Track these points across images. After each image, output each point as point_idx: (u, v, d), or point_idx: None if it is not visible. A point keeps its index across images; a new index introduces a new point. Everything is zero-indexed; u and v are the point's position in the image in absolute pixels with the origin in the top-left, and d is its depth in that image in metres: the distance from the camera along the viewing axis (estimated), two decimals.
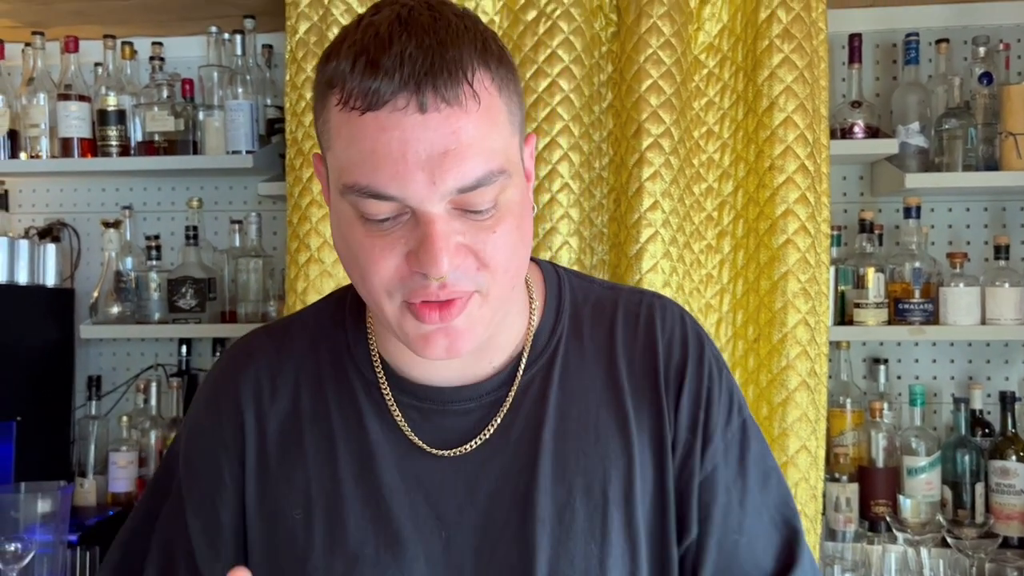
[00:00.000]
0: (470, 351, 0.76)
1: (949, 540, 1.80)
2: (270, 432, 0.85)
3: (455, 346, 0.74)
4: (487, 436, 0.82)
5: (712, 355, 0.88)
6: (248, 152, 2.10)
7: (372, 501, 0.81)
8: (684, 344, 0.87)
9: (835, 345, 2.05)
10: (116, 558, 0.89)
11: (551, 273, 0.91)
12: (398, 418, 0.83)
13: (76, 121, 2.17)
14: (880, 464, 1.97)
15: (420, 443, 0.82)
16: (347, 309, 0.88)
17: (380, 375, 0.84)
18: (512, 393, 0.83)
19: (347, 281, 1.81)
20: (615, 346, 0.86)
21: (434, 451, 0.82)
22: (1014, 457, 1.92)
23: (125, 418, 2.17)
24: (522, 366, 0.84)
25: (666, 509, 0.84)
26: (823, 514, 1.85)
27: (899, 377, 2.14)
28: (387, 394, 0.83)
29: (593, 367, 0.85)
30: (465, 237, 0.71)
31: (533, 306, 0.87)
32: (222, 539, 0.85)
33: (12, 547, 1.66)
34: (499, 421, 0.83)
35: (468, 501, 0.81)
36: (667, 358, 0.86)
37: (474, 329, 0.75)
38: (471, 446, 0.82)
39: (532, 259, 0.89)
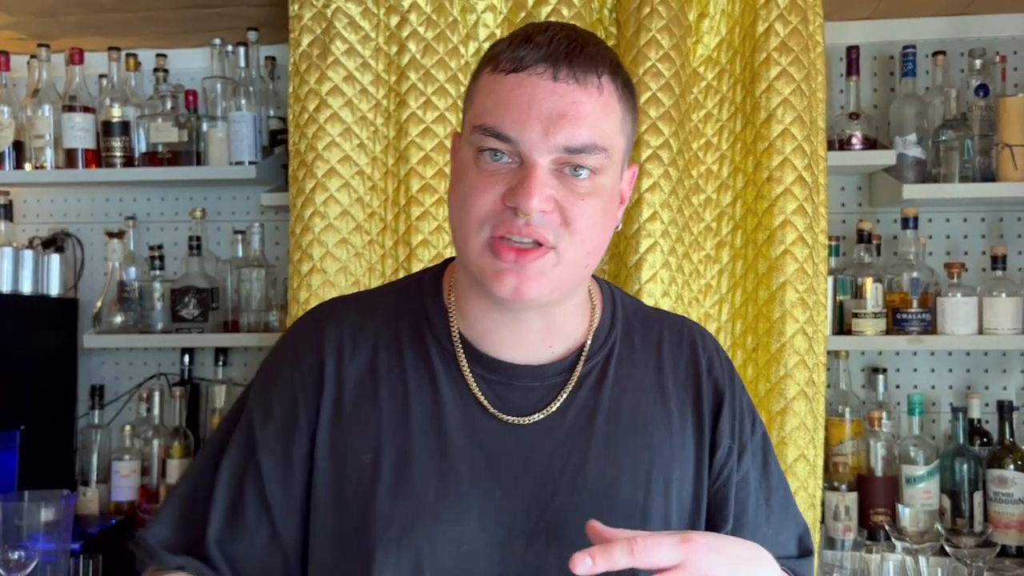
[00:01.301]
0: (532, 299, 0.84)
1: (947, 549, 1.81)
2: (347, 381, 0.93)
3: (522, 287, 0.83)
4: (548, 413, 0.92)
5: (738, 377, 1.02)
6: (251, 163, 2.12)
7: (437, 454, 0.89)
8: (721, 365, 1.00)
9: (834, 355, 2.06)
10: (184, 492, 0.95)
11: (607, 287, 1.03)
12: (471, 383, 0.92)
13: (80, 132, 2.19)
14: (879, 473, 1.98)
15: (486, 404, 0.91)
16: (427, 287, 0.97)
17: (457, 345, 0.93)
18: (574, 379, 0.93)
19: (349, 290, 1.83)
20: (662, 355, 0.98)
21: (500, 415, 0.91)
22: (1012, 466, 1.93)
23: (128, 427, 2.19)
24: (584, 357, 0.94)
25: (699, 501, 0.95)
26: (822, 523, 1.86)
27: (897, 386, 2.15)
28: (462, 362, 0.92)
29: (643, 370, 0.97)
30: (558, 193, 0.82)
31: (594, 308, 0.98)
32: (292, 475, 0.91)
33: (16, 555, 1.67)
34: (560, 401, 0.92)
35: (523, 467, 0.90)
36: (708, 373, 0.98)
37: (542, 280, 0.84)
38: (530, 420, 0.91)
39: (592, 276, 1.00)
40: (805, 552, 1.01)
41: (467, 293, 0.92)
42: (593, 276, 1.00)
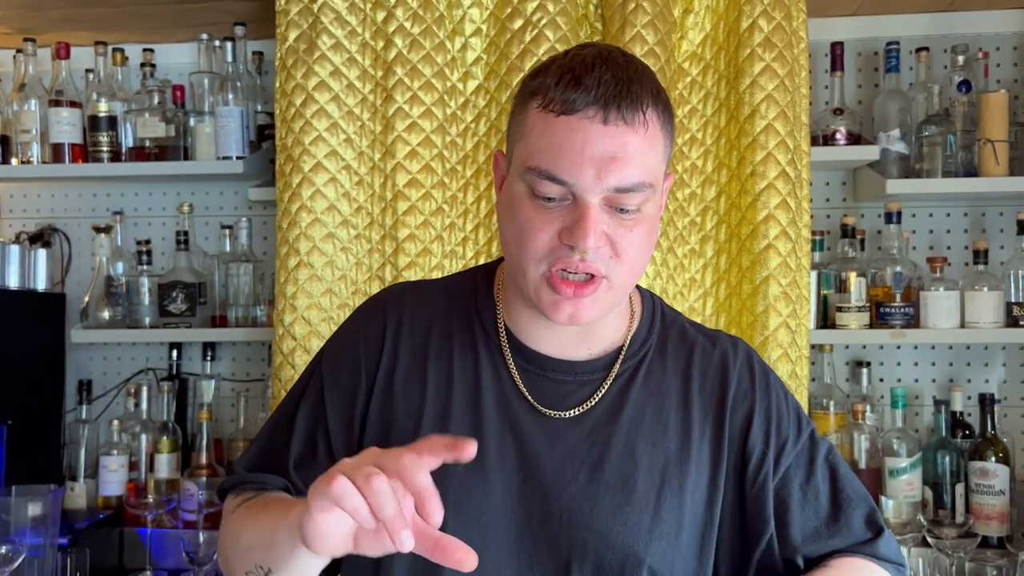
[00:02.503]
0: (586, 323, 0.93)
1: (929, 540, 1.83)
2: (402, 356, 1.03)
3: (577, 315, 0.92)
4: (582, 409, 0.99)
5: (777, 383, 1.08)
6: (238, 158, 2.12)
7: (472, 429, 0.98)
8: (752, 376, 1.05)
9: (818, 348, 2.08)
10: (266, 435, 1.07)
11: (647, 296, 1.10)
12: (512, 370, 1.00)
13: (67, 127, 2.18)
14: (862, 465, 2.00)
15: (526, 393, 0.99)
16: (479, 283, 1.07)
17: (502, 335, 1.02)
18: (609, 379, 1.01)
19: (336, 284, 1.83)
20: (692, 367, 1.04)
21: (533, 403, 0.99)
22: (993, 458, 1.95)
23: (116, 422, 2.19)
24: (620, 359, 1.02)
25: (712, 505, 1.01)
26: None
27: (881, 380, 2.17)
28: (506, 350, 1.01)
29: (671, 379, 1.03)
30: (608, 228, 0.89)
31: (633, 315, 1.05)
32: (352, 432, 1.02)
33: (2, 550, 1.67)
34: (595, 399, 1.00)
35: (547, 453, 0.97)
36: (737, 387, 1.04)
37: (595, 308, 0.93)
38: (565, 414, 0.99)
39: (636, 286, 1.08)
40: (876, 532, 1.04)
41: (513, 294, 1.01)
42: (638, 287, 1.09)
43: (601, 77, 0.88)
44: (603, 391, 1.00)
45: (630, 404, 1.00)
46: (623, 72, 0.89)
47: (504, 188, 0.96)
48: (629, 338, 1.03)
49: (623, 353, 1.02)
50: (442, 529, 0.90)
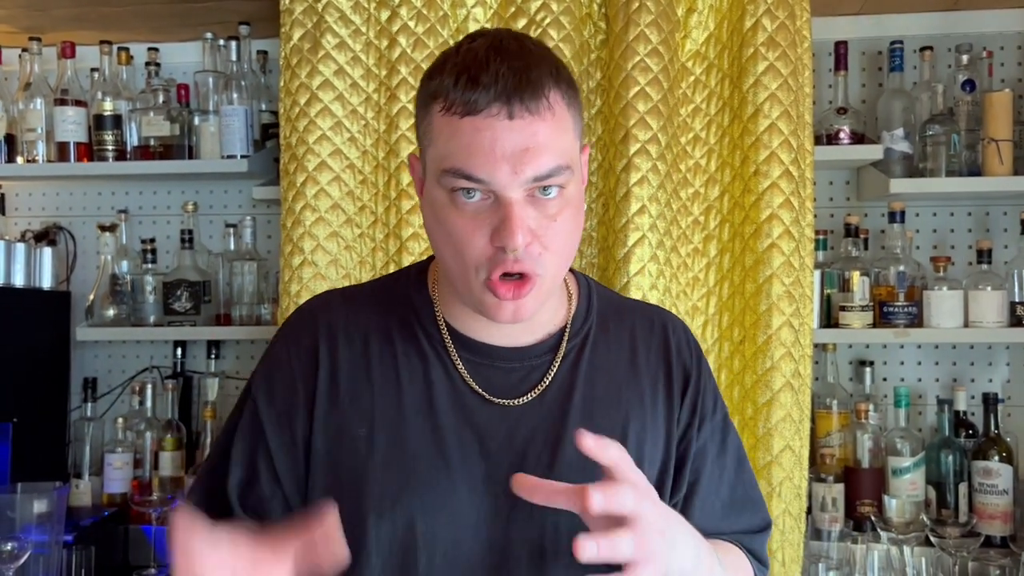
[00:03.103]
0: (528, 318, 0.93)
1: (933, 539, 1.83)
2: (342, 364, 1.00)
3: (519, 313, 0.92)
4: (528, 393, 1.00)
5: (706, 361, 1.11)
6: (243, 156, 2.13)
7: (428, 429, 0.97)
8: (690, 348, 1.08)
9: (821, 347, 2.08)
10: (206, 472, 1.03)
11: (583, 279, 1.11)
12: (459, 365, 1.00)
13: (72, 126, 2.19)
14: (865, 465, 2.00)
15: (474, 385, 0.99)
16: (411, 283, 1.05)
17: (444, 332, 1.01)
18: (557, 360, 1.01)
19: (340, 282, 1.84)
20: (635, 339, 1.06)
21: (486, 395, 0.99)
22: (997, 458, 1.95)
23: (120, 420, 2.20)
24: (565, 339, 1.02)
25: (666, 472, 1.03)
26: (808, 513, 1.88)
27: (884, 379, 2.17)
28: (450, 346, 1.00)
29: (616, 352, 1.05)
30: (534, 222, 0.89)
31: (571, 297, 1.06)
32: (296, 451, 0.99)
33: (8, 547, 1.68)
34: (544, 381, 1.00)
35: (507, 443, 0.97)
36: (678, 355, 1.06)
37: (535, 301, 0.93)
38: (520, 400, 0.99)
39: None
40: (761, 529, 1.09)
41: (450, 290, 1.00)
42: (571, 269, 1.08)
43: (498, 71, 0.86)
44: (553, 371, 1.00)
45: (581, 381, 1.01)
46: (519, 60, 0.88)
47: (425, 194, 0.95)
48: (571, 318, 1.04)
49: (567, 332, 1.03)
50: (411, 530, 0.93)
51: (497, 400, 0.99)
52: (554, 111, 0.89)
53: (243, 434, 1.01)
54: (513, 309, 0.91)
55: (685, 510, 1.02)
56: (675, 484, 1.04)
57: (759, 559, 1.08)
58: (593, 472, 0.92)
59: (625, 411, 1.01)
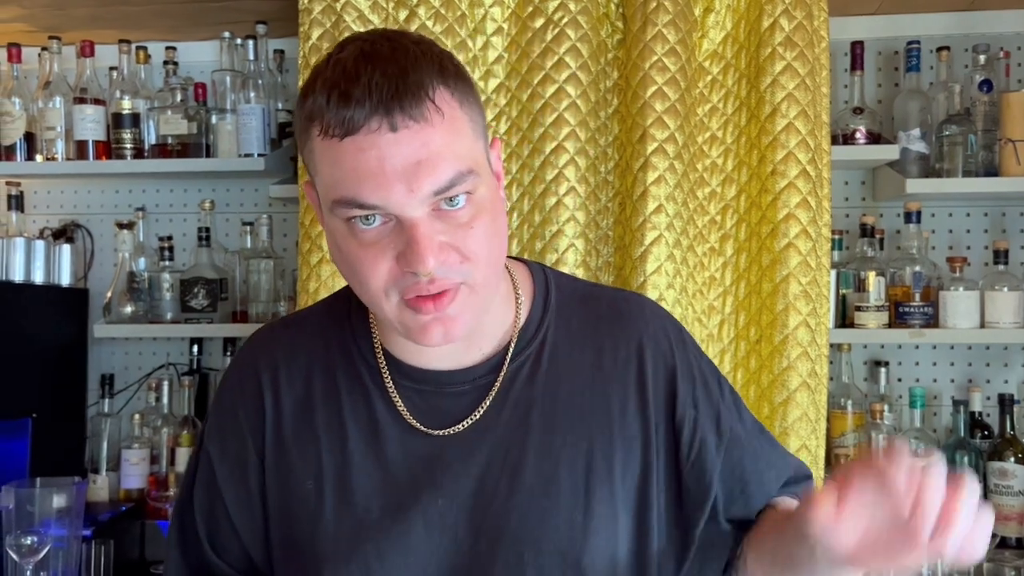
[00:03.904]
0: (463, 336, 0.85)
1: None
2: (286, 411, 0.94)
3: (450, 332, 0.83)
4: (479, 415, 0.91)
5: (691, 341, 1.00)
6: (260, 155, 2.14)
7: (377, 472, 0.90)
8: (667, 335, 0.97)
9: (836, 348, 2.08)
10: (176, 525, 1.00)
11: (538, 271, 1.00)
12: (397, 402, 0.92)
13: (91, 124, 2.21)
14: None
15: (417, 424, 0.91)
16: (352, 306, 0.96)
17: (382, 363, 0.93)
18: (501, 377, 0.92)
19: None
20: (601, 336, 0.95)
21: (431, 431, 0.91)
22: (1012, 459, 1.95)
23: (137, 416, 2.21)
24: (510, 353, 0.93)
25: (648, 480, 0.92)
26: None
27: (899, 379, 2.17)
28: (388, 380, 0.92)
29: (579, 354, 0.94)
30: (446, 235, 0.80)
31: (520, 300, 0.95)
32: (251, 502, 0.95)
33: (28, 540, 1.69)
34: (489, 402, 0.91)
35: (463, 472, 0.90)
36: (654, 348, 0.95)
37: (465, 315, 0.83)
38: (464, 425, 0.91)
39: (519, 259, 1.01)
40: (804, 476, 1.03)
41: None
42: (525, 263, 1.00)
43: (370, 81, 0.76)
44: (503, 391, 0.91)
45: (539, 394, 0.91)
46: (393, 65, 0.77)
47: (324, 224, 0.85)
48: (518, 327, 0.93)
49: (512, 346, 0.92)
50: None
51: (444, 431, 0.90)
52: (443, 113, 0.78)
53: (201, 485, 0.98)
54: (443, 330, 0.82)
55: (746, 492, 0.95)
56: (699, 486, 0.94)
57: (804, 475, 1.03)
58: (556, 495, 0.88)
59: (590, 424, 0.91)
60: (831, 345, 1.96)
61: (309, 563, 0.90)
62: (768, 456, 1.00)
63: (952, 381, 2.17)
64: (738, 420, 0.98)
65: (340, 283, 1.77)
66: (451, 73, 0.81)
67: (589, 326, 0.96)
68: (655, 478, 0.92)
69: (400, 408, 0.92)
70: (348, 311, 0.96)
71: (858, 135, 2.04)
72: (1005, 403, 2.00)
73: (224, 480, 0.96)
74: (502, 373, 0.92)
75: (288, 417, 0.94)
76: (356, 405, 0.93)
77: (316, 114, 0.79)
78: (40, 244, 2.20)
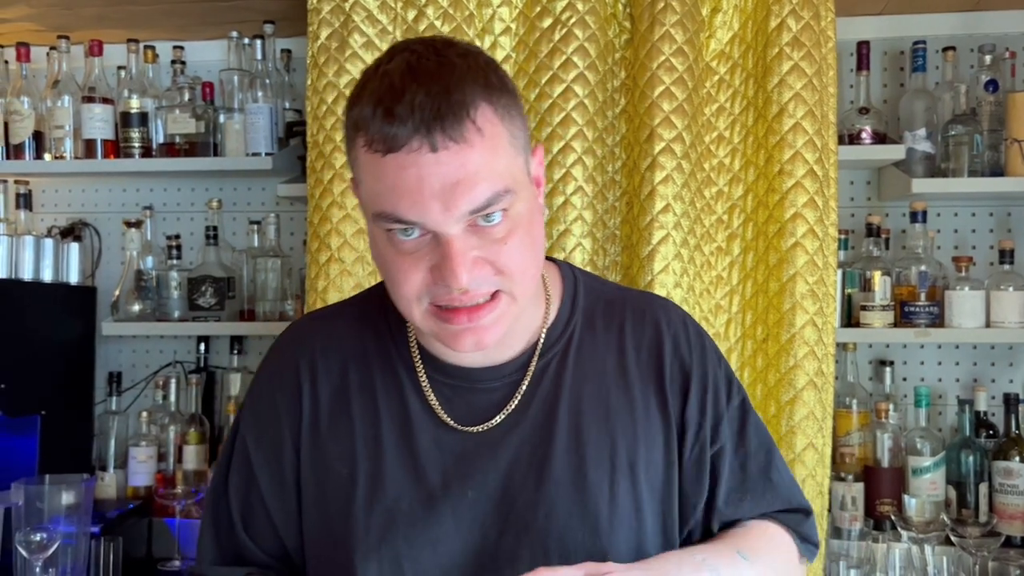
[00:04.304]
0: (493, 344, 0.87)
1: (953, 539, 1.83)
2: (322, 401, 0.97)
3: (482, 341, 0.86)
4: (509, 411, 0.95)
5: (712, 347, 1.02)
6: (267, 154, 2.15)
7: (409, 463, 0.93)
8: (688, 340, 1.00)
9: (842, 347, 2.08)
10: (209, 513, 1.03)
11: (568, 272, 1.03)
12: (430, 397, 0.95)
13: (99, 123, 2.22)
14: (885, 464, 2.00)
15: (449, 419, 0.94)
16: (388, 301, 0.97)
17: (416, 357, 0.97)
18: (529, 375, 0.96)
19: (366, 279, 1.85)
20: (624, 338, 0.99)
21: (462, 427, 0.94)
22: (1017, 458, 1.95)
23: (145, 414, 2.22)
24: (538, 352, 0.96)
25: (671, 478, 0.97)
26: (829, 512, 1.89)
27: (905, 379, 2.18)
28: (422, 375, 0.96)
29: (604, 355, 0.98)
30: (481, 251, 0.82)
31: (549, 300, 0.99)
32: (286, 490, 0.98)
33: (37, 537, 1.70)
34: (519, 399, 0.95)
35: (492, 466, 0.93)
36: (674, 351, 0.99)
37: (499, 325, 0.87)
38: (495, 421, 0.94)
39: (550, 259, 1.03)
40: (795, 510, 1.03)
41: None
42: (556, 262, 1.04)
43: (414, 100, 0.78)
44: (532, 387, 0.95)
45: (566, 392, 0.95)
46: (437, 83, 0.79)
47: (368, 225, 0.88)
48: (546, 327, 0.97)
49: (540, 344, 0.96)
50: (399, 569, 0.91)
51: (475, 428, 0.94)
52: (483, 132, 0.80)
53: (237, 470, 1.00)
54: (475, 339, 0.85)
55: (709, 508, 0.99)
56: (693, 490, 0.98)
57: (800, 536, 1.02)
58: (582, 489, 0.92)
59: (613, 424, 0.95)
60: (837, 344, 1.97)
61: (340, 550, 0.93)
62: (751, 480, 1.00)
63: (957, 380, 2.18)
64: (734, 435, 1.00)
65: (349, 283, 1.78)
66: (495, 87, 0.83)
67: (614, 328, 0.99)
68: (675, 473, 0.97)
69: (433, 402, 0.95)
70: (384, 306, 0.98)
71: (864, 135, 2.05)
72: (1010, 402, 2.00)
73: (260, 466, 0.98)
74: (530, 371, 0.96)
75: (324, 406, 0.97)
76: (390, 397, 0.96)
77: (362, 125, 0.82)
78: (48, 242, 2.21)
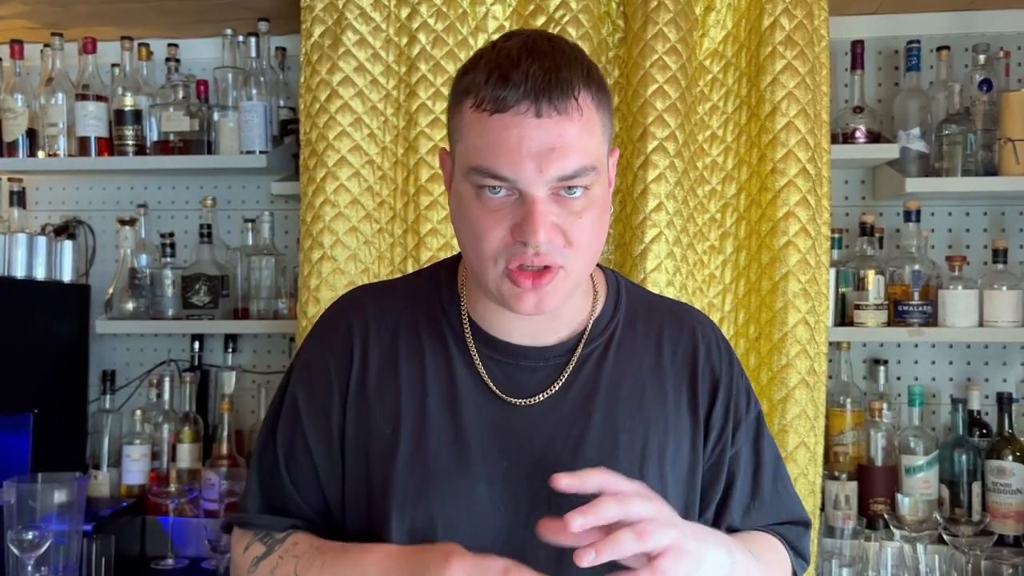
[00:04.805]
0: (552, 309, 0.94)
1: (946, 538, 1.83)
2: (372, 364, 1.03)
3: (542, 304, 0.93)
4: (552, 392, 1.01)
5: (737, 362, 1.11)
6: (261, 152, 2.15)
7: (451, 428, 0.99)
8: (719, 349, 1.08)
9: (836, 346, 2.09)
10: (256, 465, 1.07)
11: (612, 277, 1.11)
12: (479, 367, 1.01)
13: (93, 121, 2.22)
14: (879, 463, 2.01)
15: (495, 389, 1.00)
16: (442, 278, 1.07)
17: (467, 331, 1.03)
18: (574, 360, 1.02)
19: (359, 277, 1.85)
20: (662, 339, 1.06)
21: (506, 397, 1.00)
22: (1011, 457, 1.95)
23: (138, 412, 2.22)
24: (584, 340, 1.03)
25: (694, 474, 1.03)
26: (822, 511, 1.89)
27: (898, 378, 2.18)
28: (471, 346, 1.02)
29: (643, 352, 1.05)
30: (559, 218, 0.90)
31: (596, 296, 1.06)
32: (331, 443, 1.03)
33: (29, 535, 1.70)
34: (562, 381, 1.01)
35: (528, 441, 0.99)
36: (706, 358, 1.06)
37: (557, 294, 0.94)
38: (537, 399, 1.00)
39: (597, 264, 1.08)
40: (797, 522, 1.09)
41: (477, 287, 1.01)
42: (602, 268, 1.11)
43: (528, 70, 0.87)
44: (575, 372, 1.01)
45: (604, 381, 1.01)
46: (550, 61, 0.89)
47: (452, 188, 0.96)
48: (593, 318, 1.04)
49: (587, 333, 1.03)
50: (431, 525, 0.96)
51: (518, 400, 1.00)
52: (582, 112, 0.89)
53: (285, 423, 1.05)
54: (535, 301, 0.92)
55: (721, 510, 1.04)
56: (711, 488, 1.04)
57: (796, 550, 1.08)
58: (614, 470, 0.92)
59: (647, 415, 1.01)
60: (831, 343, 1.97)
61: (379, 504, 0.99)
62: (761, 486, 1.07)
63: (951, 380, 2.18)
64: (750, 442, 1.07)
65: (341, 282, 1.78)
66: (595, 80, 0.92)
67: (653, 329, 1.07)
68: (700, 470, 1.03)
69: (480, 371, 1.01)
70: (439, 283, 1.06)
71: (858, 134, 2.05)
72: (1003, 402, 2.01)
73: (308, 420, 1.03)
74: (575, 357, 1.02)
75: (373, 369, 1.02)
76: (438, 365, 1.01)
77: (473, 88, 0.90)
78: (42, 240, 2.20)
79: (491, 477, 0.97)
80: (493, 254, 0.91)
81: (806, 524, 1.11)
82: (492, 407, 0.99)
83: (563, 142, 0.88)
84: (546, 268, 0.91)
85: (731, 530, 1.04)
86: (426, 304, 1.05)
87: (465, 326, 1.03)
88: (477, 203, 0.91)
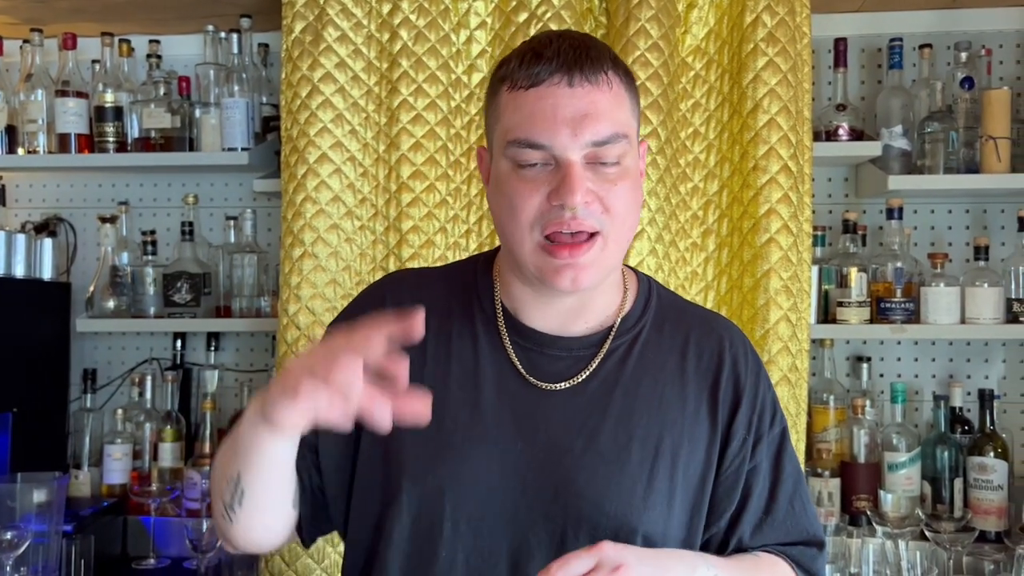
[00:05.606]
0: (588, 286, 0.96)
1: (928, 534, 1.84)
2: None
3: (579, 279, 0.95)
4: (574, 381, 1.02)
5: (765, 375, 1.11)
6: (243, 149, 2.13)
7: (469, 405, 1.02)
8: (746, 361, 1.08)
9: (819, 343, 2.09)
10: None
11: (644, 278, 1.13)
12: (508, 347, 1.03)
13: (73, 117, 2.20)
14: (862, 460, 2.01)
15: (521, 369, 1.02)
16: (478, 268, 1.10)
17: (499, 316, 1.05)
18: (601, 354, 1.03)
19: (340, 275, 1.84)
20: (688, 344, 1.07)
21: (529, 379, 1.02)
22: (992, 453, 1.96)
23: (120, 411, 2.20)
24: (612, 335, 1.04)
25: (705, 481, 1.03)
26: None
27: (881, 375, 2.18)
28: (502, 329, 1.04)
29: (667, 354, 1.06)
30: (594, 184, 0.93)
31: (626, 294, 1.08)
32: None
33: (8, 536, 1.68)
34: (586, 373, 1.03)
35: (544, 426, 1.00)
36: (732, 369, 1.06)
37: (594, 268, 0.96)
38: (558, 386, 1.02)
39: (628, 266, 1.13)
40: (810, 542, 1.08)
41: (511, 276, 1.04)
42: (634, 270, 1.14)
43: (560, 47, 0.93)
44: (594, 365, 1.03)
45: (626, 377, 1.03)
46: (580, 41, 0.95)
47: (491, 175, 1.00)
48: (622, 314, 1.06)
49: (615, 328, 1.05)
50: (440, 498, 0.99)
51: (539, 384, 1.01)
52: (612, 86, 0.94)
53: None
54: (572, 275, 0.94)
55: (733, 524, 1.04)
56: (727, 499, 1.04)
57: (808, 572, 1.07)
58: (624, 464, 0.98)
59: (664, 416, 1.02)
60: (813, 341, 1.97)
61: (392, 473, 1.01)
62: (776, 503, 1.06)
63: (933, 376, 2.19)
64: (771, 457, 1.06)
65: (323, 279, 1.77)
66: (623, 67, 0.98)
67: (680, 334, 1.07)
68: (711, 477, 1.04)
69: (508, 353, 1.03)
70: (475, 270, 1.10)
71: (841, 132, 2.05)
72: (985, 398, 2.02)
73: None
74: (601, 351, 1.03)
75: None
76: (464, 345, 1.04)
77: (508, 75, 0.96)
78: (21, 238, 2.18)
79: (504, 457, 0.99)
80: (530, 221, 0.94)
81: (820, 544, 1.09)
82: (514, 390, 1.01)
83: (596, 109, 0.92)
84: (583, 239, 0.93)
85: (740, 546, 1.05)
86: (461, 288, 1.09)
87: (497, 310, 1.05)
88: (514, 175, 0.95)
